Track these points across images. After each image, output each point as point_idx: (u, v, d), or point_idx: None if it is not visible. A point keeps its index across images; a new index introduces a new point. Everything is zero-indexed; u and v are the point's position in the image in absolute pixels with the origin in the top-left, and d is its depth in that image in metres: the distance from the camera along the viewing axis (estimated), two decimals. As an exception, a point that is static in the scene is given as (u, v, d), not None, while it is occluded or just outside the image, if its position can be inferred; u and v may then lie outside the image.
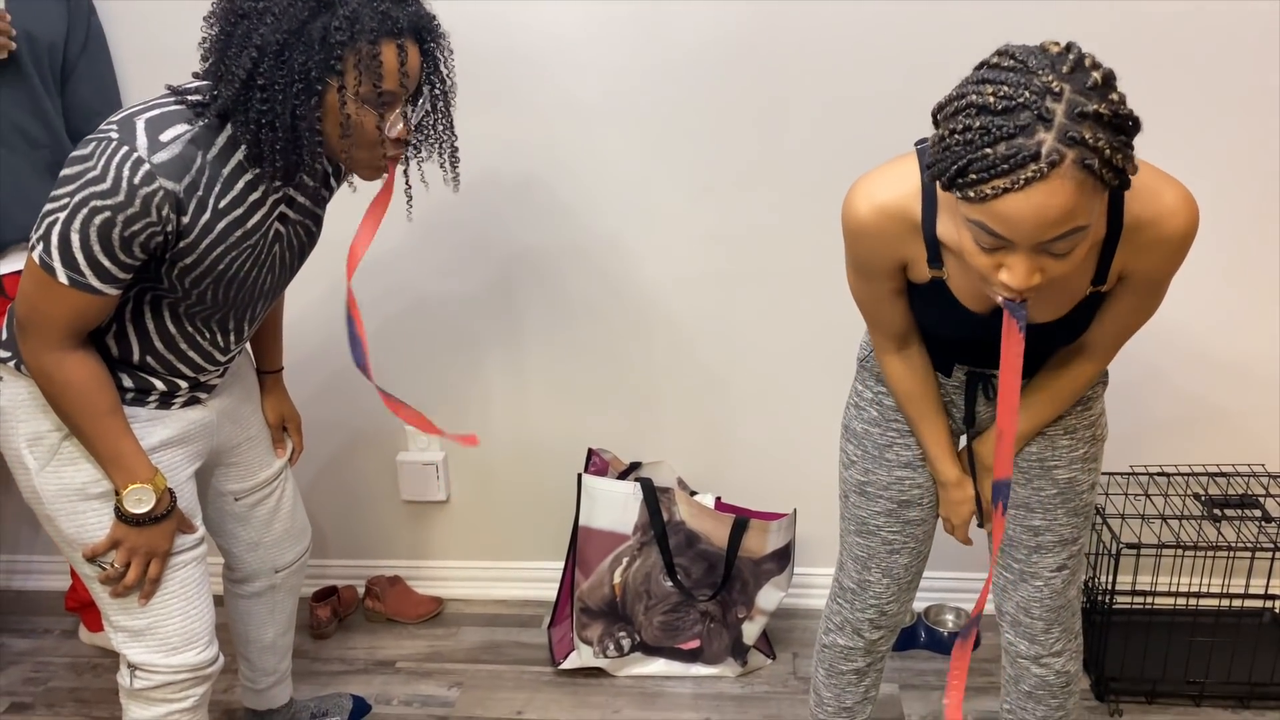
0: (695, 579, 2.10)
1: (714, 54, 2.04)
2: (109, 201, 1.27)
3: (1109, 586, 2.02)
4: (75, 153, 1.30)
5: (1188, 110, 1.99)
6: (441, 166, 1.47)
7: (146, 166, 1.27)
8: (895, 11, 1.98)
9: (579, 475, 2.11)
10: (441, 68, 1.40)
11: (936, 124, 1.10)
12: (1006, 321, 1.22)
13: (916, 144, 1.30)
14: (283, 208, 1.45)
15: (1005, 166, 1.02)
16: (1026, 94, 1.03)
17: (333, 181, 1.57)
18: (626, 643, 2.14)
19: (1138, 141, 1.08)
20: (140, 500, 1.42)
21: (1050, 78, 1.03)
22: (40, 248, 1.31)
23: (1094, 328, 1.35)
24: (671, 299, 2.21)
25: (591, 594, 2.10)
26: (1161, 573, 2.09)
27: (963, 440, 1.54)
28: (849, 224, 1.30)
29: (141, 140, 1.28)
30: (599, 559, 2.09)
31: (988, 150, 1.03)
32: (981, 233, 1.10)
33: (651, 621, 2.13)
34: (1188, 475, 2.11)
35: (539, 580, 2.43)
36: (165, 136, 1.30)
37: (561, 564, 2.36)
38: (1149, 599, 2.08)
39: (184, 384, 1.51)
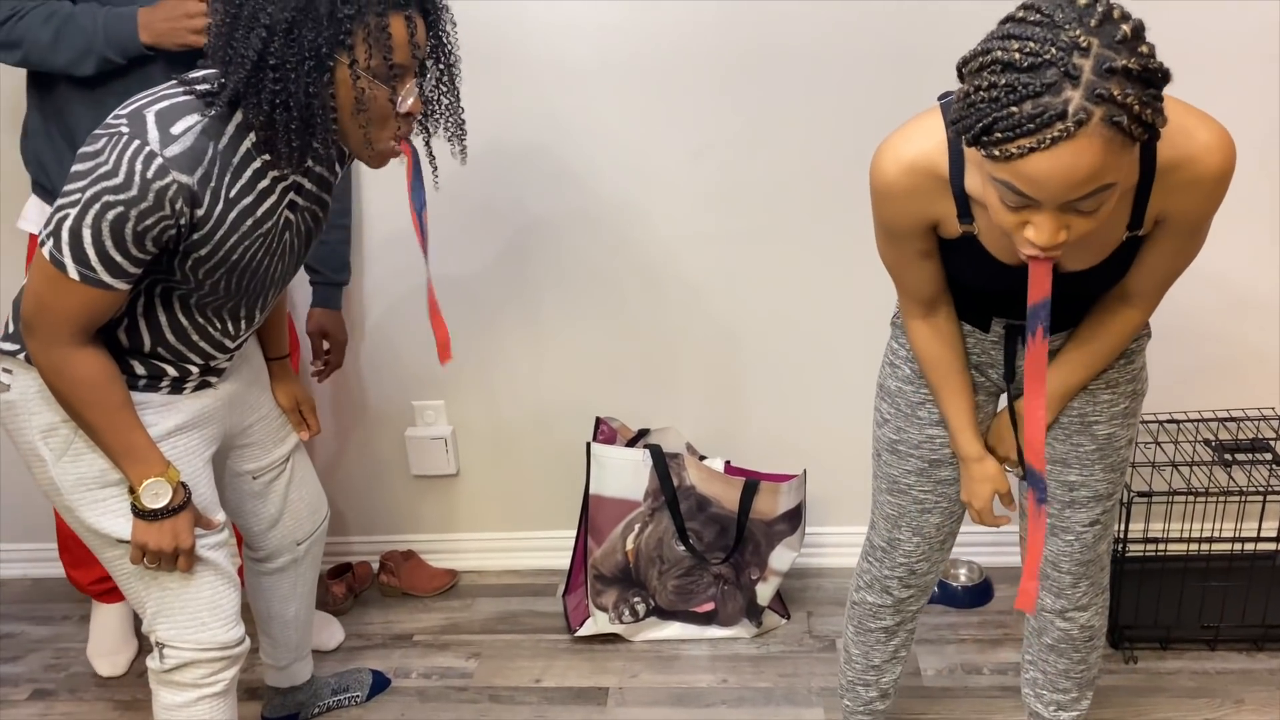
0: (707, 543, 2.11)
1: (710, 9, 2.01)
2: (122, 196, 1.25)
3: (1121, 535, 2.02)
4: (85, 148, 1.28)
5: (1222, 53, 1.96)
6: (449, 139, 1.45)
7: (159, 160, 1.26)
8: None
9: (588, 444, 2.10)
10: (446, 40, 1.39)
11: (962, 78, 1.08)
12: (1031, 351, 1.20)
13: (940, 98, 1.27)
14: (292, 195, 1.44)
15: (1031, 126, 1.00)
16: (1053, 50, 1.00)
17: (338, 166, 1.55)
18: (641, 608, 2.15)
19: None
20: (157, 494, 1.42)
21: (1078, 32, 1.00)
22: (50, 244, 1.29)
23: (1134, 273, 1.32)
24: (675, 262, 2.20)
25: (605, 561, 2.11)
26: (1173, 519, 2.09)
27: (1002, 400, 1.52)
28: (878, 185, 1.28)
29: (153, 133, 1.27)
30: (611, 526, 2.10)
31: (1013, 109, 1.01)
32: (1007, 191, 1.07)
33: (665, 586, 2.14)
34: (1197, 421, 2.11)
35: (552, 549, 2.43)
36: (177, 129, 1.28)
37: (574, 532, 2.37)
38: (1161, 546, 2.08)
39: (195, 369, 1.50)
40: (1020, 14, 1.05)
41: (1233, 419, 2.11)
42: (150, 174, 1.25)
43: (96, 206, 1.26)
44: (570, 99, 2.09)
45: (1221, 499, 1.99)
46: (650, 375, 2.29)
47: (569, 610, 2.25)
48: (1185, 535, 2.10)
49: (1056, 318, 1.38)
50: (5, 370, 1.45)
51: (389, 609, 2.34)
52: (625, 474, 2.08)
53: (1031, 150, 1.01)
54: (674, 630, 2.18)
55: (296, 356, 2.09)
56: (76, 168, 1.28)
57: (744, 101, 2.07)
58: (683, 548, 2.10)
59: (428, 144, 1.48)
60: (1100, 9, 1.02)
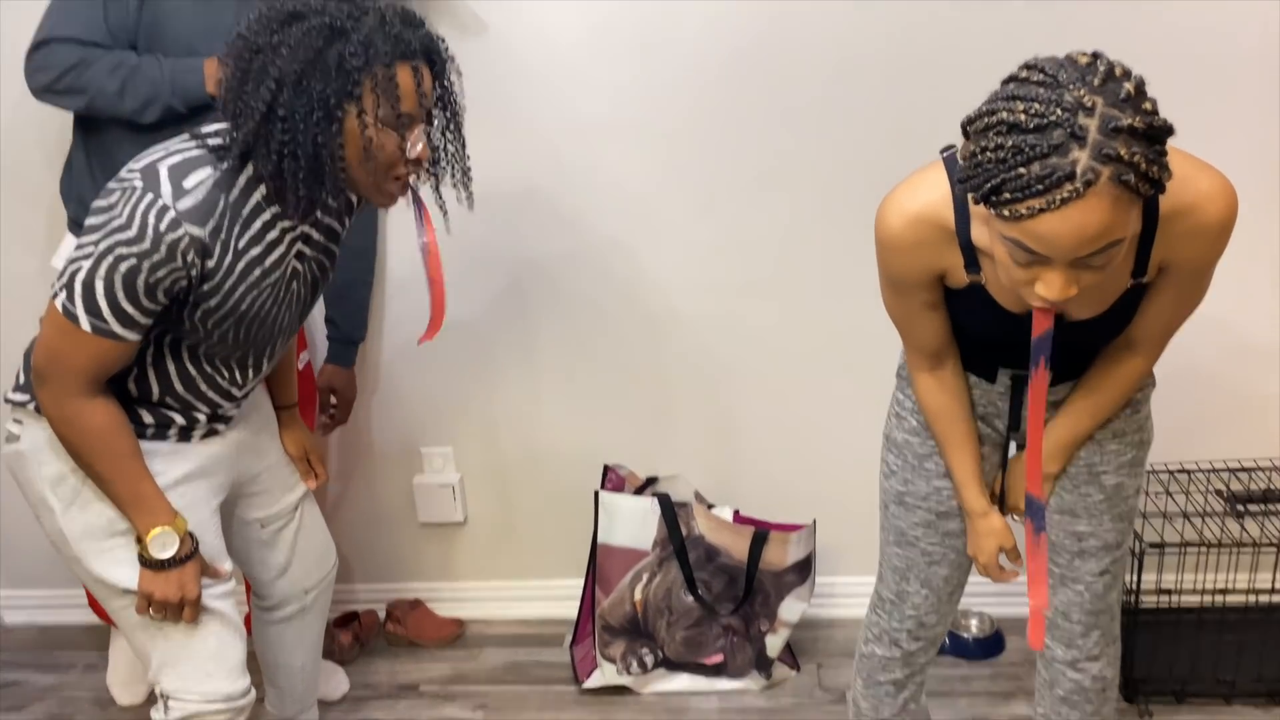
0: (716, 593, 2.09)
1: (718, 65, 2.04)
2: (135, 249, 1.27)
3: (1134, 586, 2.00)
4: (99, 202, 1.30)
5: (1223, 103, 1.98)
6: (454, 186, 1.47)
7: (172, 213, 1.28)
8: (901, 21, 1.98)
9: (596, 492, 2.10)
10: (451, 89, 1.41)
11: (967, 136, 1.09)
12: (1034, 382, 1.21)
13: (942, 151, 1.29)
14: (300, 245, 1.46)
15: (1040, 187, 1.01)
16: (1058, 111, 1.00)
17: (346, 219, 1.57)
18: (650, 659, 2.13)
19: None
20: (165, 544, 1.42)
21: (1082, 92, 1.01)
22: (64, 295, 1.31)
23: (1138, 321, 1.32)
24: (683, 310, 2.21)
25: (613, 611, 2.10)
26: (1186, 570, 2.07)
27: (1012, 448, 1.52)
28: (883, 238, 1.29)
29: (166, 187, 1.29)
30: (619, 576, 2.08)
31: (1021, 170, 1.01)
32: (1017, 249, 1.08)
33: (674, 637, 2.12)
34: (1208, 471, 2.10)
35: (559, 599, 2.42)
36: (189, 182, 1.30)
37: (581, 581, 2.36)
38: (1175, 597, 2.06)
39: (202, 418, 1.51)
40: (1023, 74, 1.07)
41: (1244, 469, 2.10)
42: (163, 227, 1.27)
43: (110, 259, 1.28)
44: (581, 150, 2.11)
45: (1235, 550, 1.97)
46: (658, 422, 2.29)
47: (576, 661, 2.23)
48: (1199, 587, 2.08)
49: (1061, 367, 1.37)
50: (16, 421, 1.46)
51: (395, 658, 2.32)
52: (633, 523, 2.07)
53: (1041, 211, 1.02)
54: (683, 682, 2.16)
55: (313, 408, 2.09)
56: (90, 221, 1.30)
57: (753, 156, 2.09)
58: (691, 598, 2.09)
59: (436, 190, 1.49)
60: (1102, 67, 1.03)
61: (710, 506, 2.14)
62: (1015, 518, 1.53)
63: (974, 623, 2.27)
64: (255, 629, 1.83)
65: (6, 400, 1.47)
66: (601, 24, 2.03)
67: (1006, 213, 1.04)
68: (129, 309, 1.31)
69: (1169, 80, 1.96)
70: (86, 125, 1.82)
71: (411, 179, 1.40)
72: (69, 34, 1.69)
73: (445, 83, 1.39)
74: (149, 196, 1.28)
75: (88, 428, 1.37)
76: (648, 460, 2.29)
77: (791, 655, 2.24)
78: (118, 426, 1.39)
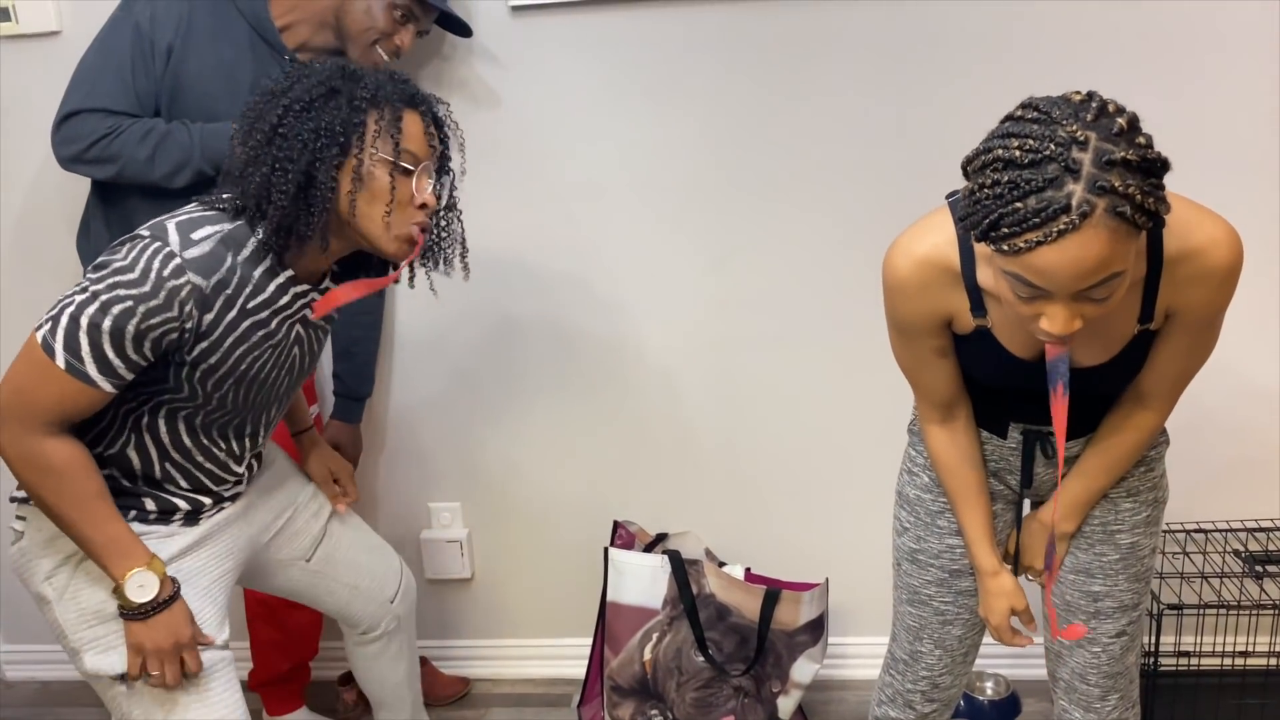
0: (727, 653, 2.06)
1: (725, 122, 2.06)
2: (134, 291, 1.27)
3: (1152, 648, 1.97)
4: (104, 256, 1.31)
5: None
6: (449, 259, 1.50)
7: (177, 260, 1.28)
8: (908, 82, 2.00)
9: (605, 550, 2.08)
10: (454, 158, 1.45)
11: (967, 176, 1.11)
12: (1055, 407, 1.21)
13: (948, 196, 1.30)
14: (306, 311, 1.46)
15: (1036, 220, 1.03)
16: (1052, 146, 1.03)
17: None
18: (659, 721, 2.09)
19: (1176, 177, 1.08)
20: (142, 586, 1.36)
21: (1075, 127, 1.03)
22: (47, 328, 1.29)
23: (1148, 372, 1.32)
24: (692, 366, 2.21)
25: (622, 671, 2.06)
26: (1205, 632, 2.04)
27: (1027, 505, 1.51)
28: (890, 281, 1.29)
29: (174, 237, 1.30)
30: (628, 635, 2.06)
31: (1018, 205, 1.03)
32: (1018, 283, 1.09)
33: (684, 698, 2.08)
34: (1226, 531, 2.07)
35: (567, 658, 2.38)
36: (197, 235, 1.32)
37: (590, 640, 2.32)
38: (1194, 660, 2.02)
39: (208, 500, 1.49)
40: (1019, 113, 1.09)
41: (1261, 529, 2.08)
42: (167, 272, 1.27)
43: (105, 298, 1.27)
44: (588, 206, 2.12)
45: (1255, 612, 1.94)
46: (668, 479, 2.28)
47: (584, 722, 2.19)
48: (1218, 649, 2.04)
49: (1075, 421, 1.37)
50: (20, 518, 1.44)
51: (400, 718, 2.28)
52: (643, 581, 2.05)
53: (1039, 244, 1.03)
54: (692, 744, 2.12)
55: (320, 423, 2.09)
56: (93, 268, 1.30)
57: (759, 211, 2.10)
58: (702, 658, 2.06)
59: (434, 260, 1.50)
60: (1095, 104, 1.05)
61: (721, 564, 2.12)
62: (1030, 578, 1.50)
63: (989, 685, 2.23)
64: (355, 661, 1.85)
65: (11, 499, 1.46)
66: (608, 81, 2.05)
67: (1005, 247, 1.06)
68: (111, 356, 1.28)
69: (1191, 153, 1.98)
70: (105, 189, 1.84)
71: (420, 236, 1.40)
72: (97, 104, 1.72)
73: (448, 149, 1.43)
74: (156, 244, 1.29)
75: (50, 466, 1.31)
76: (658, 517, 2.27)
77: (804, 717, 2.20)
78: (83, 465, 1.33)
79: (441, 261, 1.50)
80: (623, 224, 2.13)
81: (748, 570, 2.14)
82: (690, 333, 2.19)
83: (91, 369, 1.29)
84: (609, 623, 2.07)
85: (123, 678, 1.41)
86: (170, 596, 1.39)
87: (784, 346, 2.18)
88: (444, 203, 1.46)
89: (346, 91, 1.33)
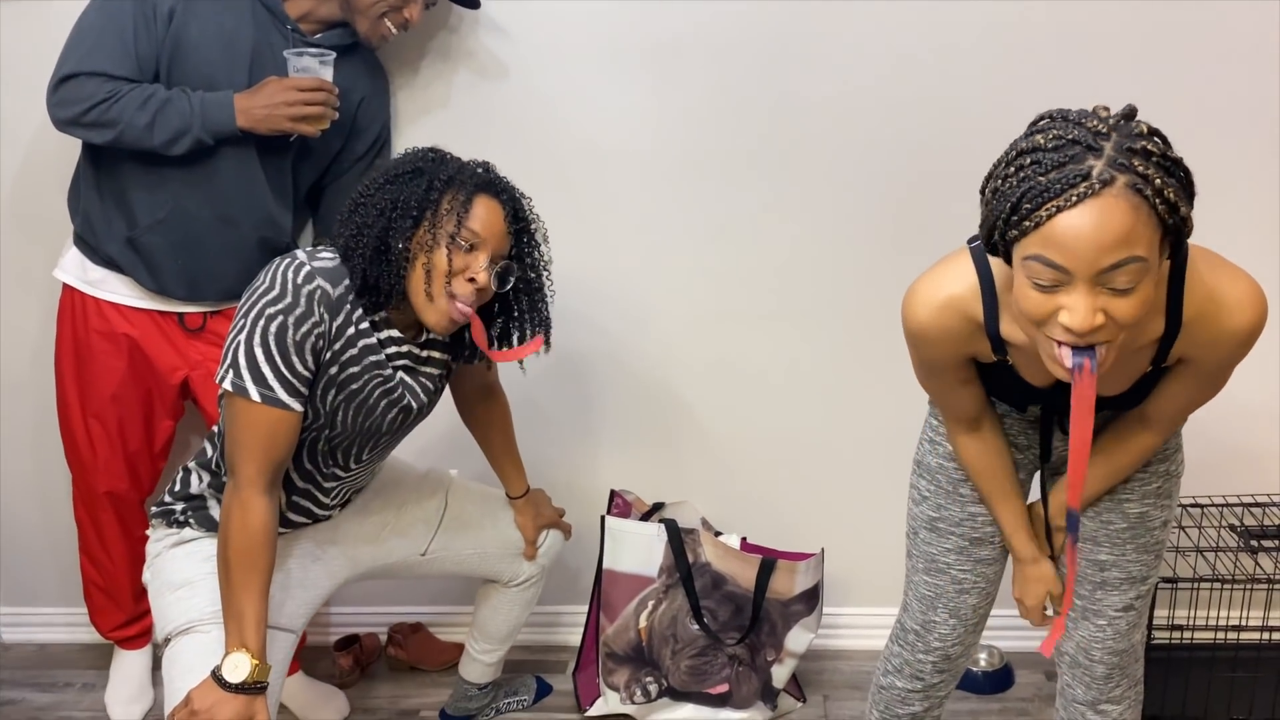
0: (722, 622, 2.07)
1: (731, 93, 2.04)
2: (279, 306, 1.41)
3: (1146, 622, 1.97)
4: (248, 288, 1.45)
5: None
6: (522, 338, 1.61)
7: (307, 268, 1.43)
8: (916, 54, 1.98)
9: (602, 517, 2.08)
10: (534, 251, 1.57)
11: (983, 192, 1.10)
12: (1076, 387, 1.18)
13: (969, 242, 1.28)
14: (408, 360, 1.58)
15: (1057, 188, 1.02)
16: (1075, 132, 1.04)
17: (454, 364, 1.68)
18: (654, 688, 2.10)
19: (1208, 226, 1.08)
20: (236, 667, 1.41)
21: (1096, 123, 1.04)
22: (231, 375, 1.42)
23: (1155, 400, 1.32)
24: (692, 335, 2.20)
25: (617, 638, 2.07)
26: (1199, 606, 2.04)
27: (1035, 493, 1.51)
28: (912, 329, 1.28)
29: (301, 254, 1.46)
30: (624, 602, 2.06)
31: (1040, 179, 1.03)
32: (1039, 268, 1.06)
33: (679, 666, 2.09)
34: (1222, 506, 2.07)
35: (563, 625, 2.39)
36: (323, 253, 1.48)
37: (585, 608, 2.33)
38: (1188, 634, 2.03)
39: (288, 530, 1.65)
40: (1040, 122, 1.09)
41: (1258, 504, 2.08)
42: (300, 279, 1.42)
43: (261, 323, 1.40)
44: (590, 176, 2.11)
45: (1249, 587, 1.94)
46: (665, 448, 2.27)
47: (579, 688, 2.20)
48: (1212, 623, 2.05)
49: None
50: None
51: (396, 683, 2.29)
52: (639, 549, 2.05)
53: (1059, 210, 1.03)
54: (687, 712, 2.12)
55: None
56: (243, 302, 1.44)
57: (762, 181, 2.09)
58: (697, 626, 2.06)
59: (504, 340, 1.61)
60: (1119, 113, 1.06)
61: (718, 534, 2.12)
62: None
63: (983, 656, 2.24)
64: (486, 595, 1.99)
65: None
66: (613, 52, 2.03)
67: (1028, 223, 1.04)
68: (286, 373, 1.41)
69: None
70: (97, 152, 1.82)
71: (468, 310, 1.49)
72: (97, 68, 1.70)
73: (526, 239, 1.55)
74: (287, 260, 1.44)
75: (242, 525, 1.42)
76: (655, 487, 2.27)
77: (798, 686, 2.21)
78: (265, 538, 1.44)
79: (515, 341, 1.61)
80: (625, 194, 2.12)
81: (744, 540, 2.14)
82: (692, 302, 2.18)
83: (281, 393, 1.42)
84: (605, 590, 2.07)
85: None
86: (253, 688, 1.42)
87: (785, 316, 2.17)
88: (508, 286, 1.54)
89: (429, 170, 1.48)
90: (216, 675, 1.41)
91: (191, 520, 1.58)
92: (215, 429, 1.59)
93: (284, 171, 1.87)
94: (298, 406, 1.44)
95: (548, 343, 1.63)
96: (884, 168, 2.06)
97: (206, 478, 1.59)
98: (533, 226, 1.57)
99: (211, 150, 1.77)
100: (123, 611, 2.13)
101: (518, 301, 1.60)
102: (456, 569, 1.90)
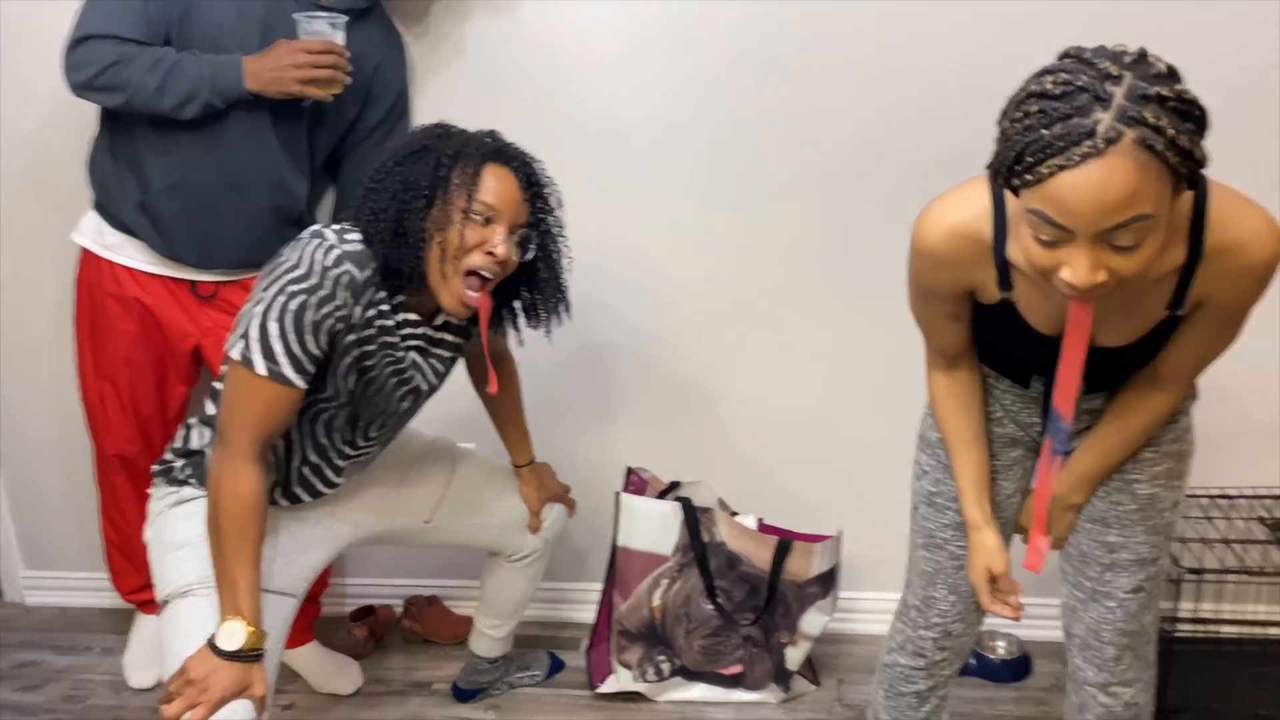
0: (737, 602, 2.05)
1: (747, 73, 2.01)
2: (303, 285, 1.38)
3: (1171, 614, 1.93)
4: (268, 264, 1.43)
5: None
6: (541, 321, 1.62)
7: (337, 250, 1.41)
8: (931, 22, 1.94)
9: (617, 494, 2.07)
10: (549, 215, 1.54)
11: (1000, 126, 1.07)
12: (1073, 312, 1.16)
13: (987, 166, 1.26)
14: (422, 342, 1.58)
15: (1060, 144, 0.99)
16: (1084, 78, 1.00)
17: (466, 344, 1.68)
18: (666, 667, 2.09)
19: (1220, 163, 1.04)
20: (231, 635, 1.41)
21: (1109, 64, 1.00)
22: (240, 345, 1.40)
23: (1168, 355, 1.29)
24: (710, 312, 2.18)
25: (630, 616, 2.06)
26: (1225, 599, 2.00)
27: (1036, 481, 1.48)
28: (919, 247, 1.27)
29: (330, 235, 1.43)
30: (638, 580, 2.05)
31: (1043, 131, 1.00)
32: (1040, 223, 1.04)
33: (692, 645, 2.08)
34: (1251, 498, 2.03)
35: (577, 602, 2.39)
36: (350, 236, 1.45)
37: (600, 585, 2.32)
38: (1213, 627, 1.99)
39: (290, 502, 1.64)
40: (1056, 62, 1.06)
41: (1289, 496, 2.03)
42: (329, 262, 1.40)
43: (281, 299, 1.38)
44: (609, 147, 2.09)
45: (1277, 579, 1.90)
46: (683, 427, 2.25)
47: (592, 666, 2.19)
48: (1239, 617, 2.01)
49: (1095, 381, 1.34)
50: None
51: (410, 655, 2.30)
52: (654, 527, 2.03)
53: (1061, 169, 0.99)
54: (699, 692, 2.11)
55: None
56: (262, 276, 1.42)
57: (783, 160, 2.05)
58: (711, 606, 2.05)
59: (526, 315, 1.62)
60: (1136, 52, 1.02)
61: (734, 514, 2.10)
62: (1023, 541, 1.49)
63: (1000, 644, 2.21)
64: (491, 569, 1.99)
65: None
66: (632, 15, 2.00)
67: (1030, 176, 1.02)
68: (297, 351, 1.40)
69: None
70: (113, 117, 1.83)
71: (477, 297, 1.48)
72: (108, 30, 1.70)
73: (540, 207, 1.52)
74: (316, 240, 1.42)
75: (236, 492, 1.42)
76: (672, 466, 2.25)
77: (812, 669, 2.19)
78: (255, 507, 1.43)
79: (540, 319, 1.62)
80: (643, 163, 2.09)
81: (760, 520, 2.12)
82: (710, 280, 2.15)
83: (288, 370, 1.41)
84: (619, 568, 2.06)
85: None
86: (249, 655, 1.41)
87: (806, 294, 2.14)
88: (523, 257, 1.52)
89: (436, 149, 1.45)
90: (212, 643, 1.40)
91: (192, 478, 1.57)
92: (215, 385, 1.58)
93: (299, 138, 1.86)
94: (301, 384, 1.43)
95: (567, 309, 1.63)
96: (913, 142, 2.02)
97: (208, 434, 1.58)
98: (546, 191, 1.54)
99: (223, 115, 1.76)
100: (140, 574, 2.15)
101: (537, 269, 1.58)
102: (459, 539, 1.89)
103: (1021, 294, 1.26)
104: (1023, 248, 1.10)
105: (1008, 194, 1.21)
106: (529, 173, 1.51)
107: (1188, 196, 1.14)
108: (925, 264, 1.27)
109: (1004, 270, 1.24)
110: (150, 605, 2.19)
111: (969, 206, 1.23)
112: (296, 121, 1.84)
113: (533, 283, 1.59)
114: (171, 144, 1.79)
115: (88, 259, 1.94)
